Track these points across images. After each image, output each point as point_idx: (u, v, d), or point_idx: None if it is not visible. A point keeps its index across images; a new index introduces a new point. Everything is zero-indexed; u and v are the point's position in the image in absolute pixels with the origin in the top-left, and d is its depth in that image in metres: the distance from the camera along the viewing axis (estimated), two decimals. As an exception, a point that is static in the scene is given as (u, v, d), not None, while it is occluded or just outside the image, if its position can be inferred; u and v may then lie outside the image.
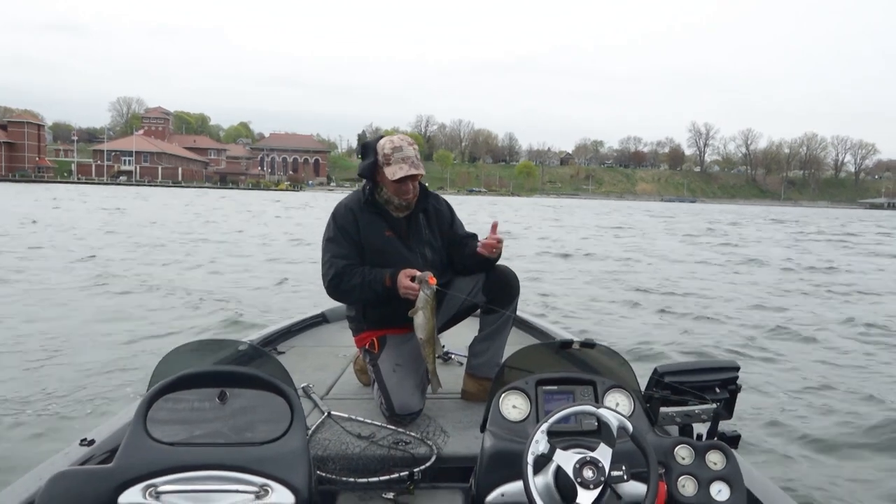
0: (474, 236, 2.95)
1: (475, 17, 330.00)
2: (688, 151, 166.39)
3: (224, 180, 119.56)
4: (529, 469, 1.49)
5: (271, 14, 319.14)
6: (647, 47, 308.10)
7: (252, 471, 1.55)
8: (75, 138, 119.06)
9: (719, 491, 1.67)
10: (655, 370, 1.92)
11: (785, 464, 3.82)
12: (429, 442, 2.33)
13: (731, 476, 1.68)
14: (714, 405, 1.89)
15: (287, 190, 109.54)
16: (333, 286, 2.71)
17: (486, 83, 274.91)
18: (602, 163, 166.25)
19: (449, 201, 3.00)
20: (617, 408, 1.82)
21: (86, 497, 1.47)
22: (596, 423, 1.75)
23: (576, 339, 2.18)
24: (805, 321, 8.37)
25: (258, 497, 1.52)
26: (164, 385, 1.70)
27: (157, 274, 11.06)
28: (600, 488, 1.47)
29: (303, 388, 2.80)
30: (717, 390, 1.92)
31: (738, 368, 1.96)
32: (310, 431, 2.32)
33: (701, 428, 1.95)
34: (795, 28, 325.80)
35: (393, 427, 2.48)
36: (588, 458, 1.50)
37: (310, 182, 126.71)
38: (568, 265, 14.83)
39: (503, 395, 1.92)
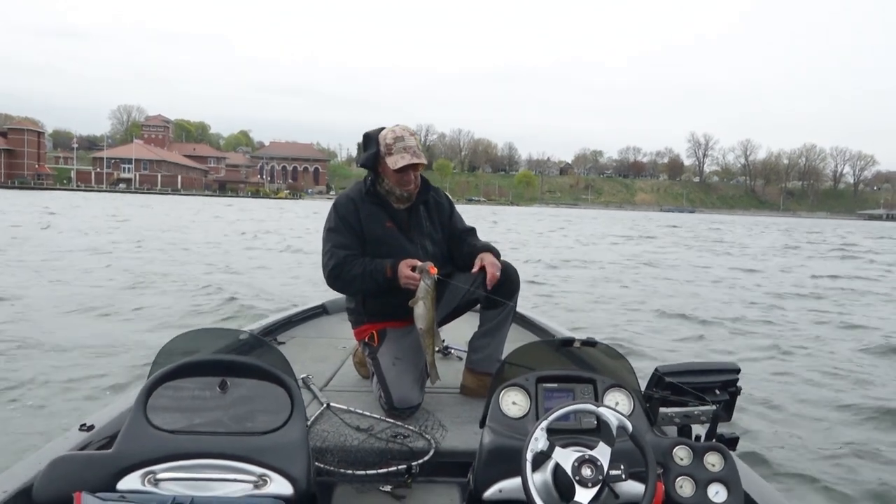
0: (473, 231, 2.96)
1: (476, 29, 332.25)
2: (687, 162, 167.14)
3: (223, 188, 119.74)
4: (528, 466, 1.49)
5: (272, 24, 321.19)
6: (648, 60, 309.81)
7: (251, 460, 1.55)
8: (75, 146, 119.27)
9: (717, 492, 1.66)
10: (656, 370, 1.92)
11: (783, 467, 3.81)
12: (427, 436, 2.33)
13: (729, 478, 1.68)
14: (713, 407, 1.89)
15: (286, 198, 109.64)
16: (334, 276, 2.71)
17: (486, 93, 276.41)
18: (601, 173, 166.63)
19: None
20: (617, 407, 1.82)
21: (85, 482, 1.47)
22: (595, 422, 1.75)
23: (577, 337, 2.18)
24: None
25: (256, 487, 1.53)
26: (165, 372, 1.70)
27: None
28: (598, 487, 1.47)
29: (302, 378, 2.80)
30: (717, 392, 1.92)
31: (738, 371, 1.96)
32: (308, 423, 2.32)
33: (700, 429, 1.95)
34: (794, 41, 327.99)
35: (391, 420, 2.48)
36: (587, 457, 1.50)
37: (309, 190, 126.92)
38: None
39: (503, 391, 1.92)
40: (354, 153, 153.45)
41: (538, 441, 1.52)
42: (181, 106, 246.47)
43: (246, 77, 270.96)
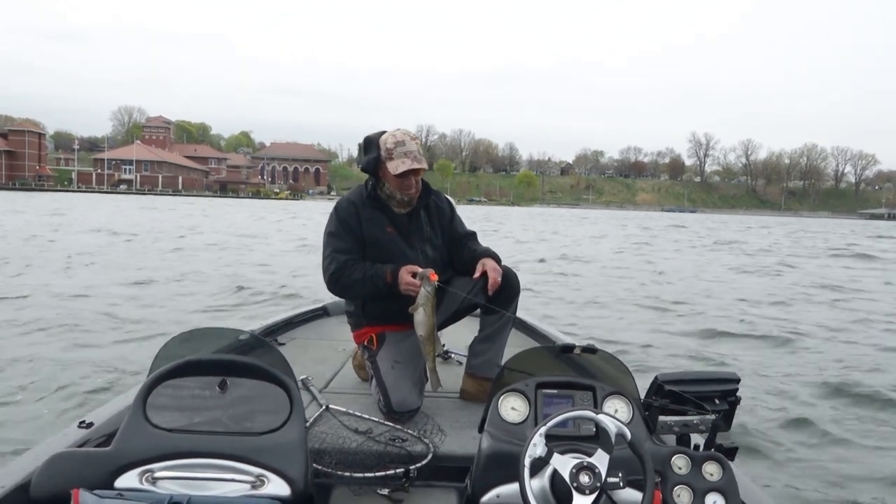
0: (473, 235, 2.96)
1: (477, 29, 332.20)
2: (688, 162, 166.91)
3: (224, 189, 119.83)
4: (526, 471, 1.49)
5: (273, 24, 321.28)
6: (648, 60, 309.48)
7: (249, 460, 1.55)
8: (76, 147, 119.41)
9: (714, 502, 1.66)
10: (656, 378, 1.92)
11: (782, 477, 3.80)
12: (426, 440, 2.33)
13: (727, 488, 1.67)
14: (713, 416, 1.88)
15: (287, 199, 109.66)
16: (334, 280, 2.71)
17: (487, 94, 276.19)
18: (602, 173, 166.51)
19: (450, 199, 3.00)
20: (616, 414, 1.82)
21: (83, 479, 1.47)
22: (594, 429, 1.76)
23: (577, 343, 2.17)
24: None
25: (254, 487, 1.53)
26: (164, 371, 1.70)
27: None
28: (596, 494, 1.47)
29: (301, 380, 2.80)
30: (717, 401, 1.91)
31: (738, 381, 1.96)
32: (307, 424, 2.32)
33: (699, 438, 1.94)
34: (795, 41, 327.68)
35: (390, 423, 2.48)
36: (585, 464, 1.50)
37: (310, 191, 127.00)
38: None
39: (502, 396, 1.91)
40: (355, 154, 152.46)
41: (536, 447, 1.52)
42: (182, 107, 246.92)
43: (247, 78, 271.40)
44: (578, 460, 1.51)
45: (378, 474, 2.12)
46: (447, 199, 2.98)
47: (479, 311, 2.91)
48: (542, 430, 1.55)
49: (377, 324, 2.81)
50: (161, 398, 1.66)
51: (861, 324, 9.11)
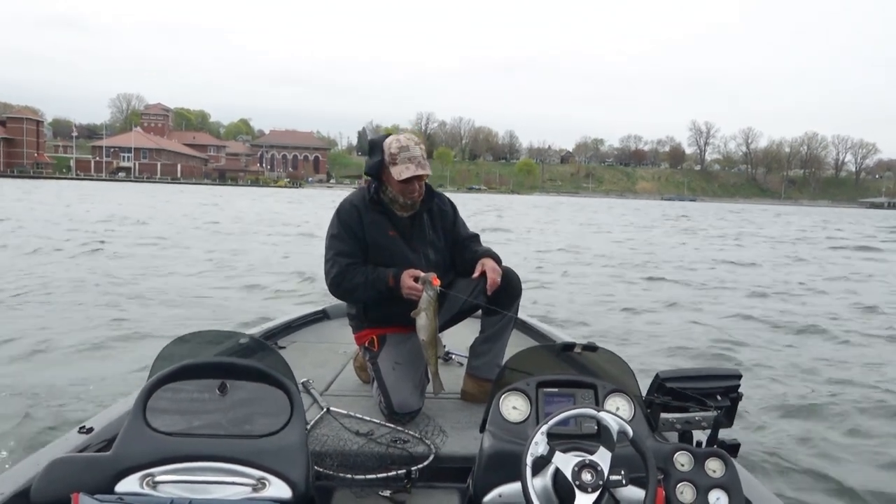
0: (476, 237, 2.94)
1: (478, 17, 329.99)
2: (688, 150, 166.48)
3: (223, 177, 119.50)
4: (528, 470, 1.49)
5: (272, 11, 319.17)
6: (649, 48, 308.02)
7: (250, 463, 1.55)
8: (75, 134, 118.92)
9: (717, 499, 1.65)
10: (657, 375, 1.92)
11: (785, 473, 3.80)
12: (427, 441, 2.33)
13: (730, 484, 1.67)
14: (715, 413, 1.88)
15: (286, 187, 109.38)
16: (336, 284, 2.71)
17: (487, 82, 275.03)
18: (602, 161, 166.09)
19: (453, 201, 2.99)
20: (617, 412, 1.81)
21: (83, 484, 1.47)
22: (596, 427, 1.75)
23: (578, 341, 2.17)
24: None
25: (255, 490, 1.52)
26: (164, 375, 1.69)
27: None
28: (598, 492, 1.46)
29: (302, 383, 2.80)
30: (719, 398, 1.91)
31: (740, 377, 1.95)
32: (308, 427, 2.31)
33: (701, 435, 1.94)
34: (796, 30, 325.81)
35: (391, 425, 2.48)
36: (587, 462, 1.50)
37: (309, 179, 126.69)
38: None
39: (503, 395, 1.91)
40: (355, 142, 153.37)
41: (538, 446, 1.51)
42: (181, 94, 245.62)
43: (246, 65, 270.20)
44: (581, 458, 1.51)
45: (380, 476, 2.12)
46: (450, 201, 2.97)
47: (480, 311, 2.91)
48: (544, 428, 1.55)
49: (378, 326, 2.81)
50: (161, 402, 1.65)
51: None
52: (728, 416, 1.91)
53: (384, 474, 2.12)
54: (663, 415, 1.89)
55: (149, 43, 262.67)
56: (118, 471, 1.51)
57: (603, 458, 1.51)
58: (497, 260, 2.74)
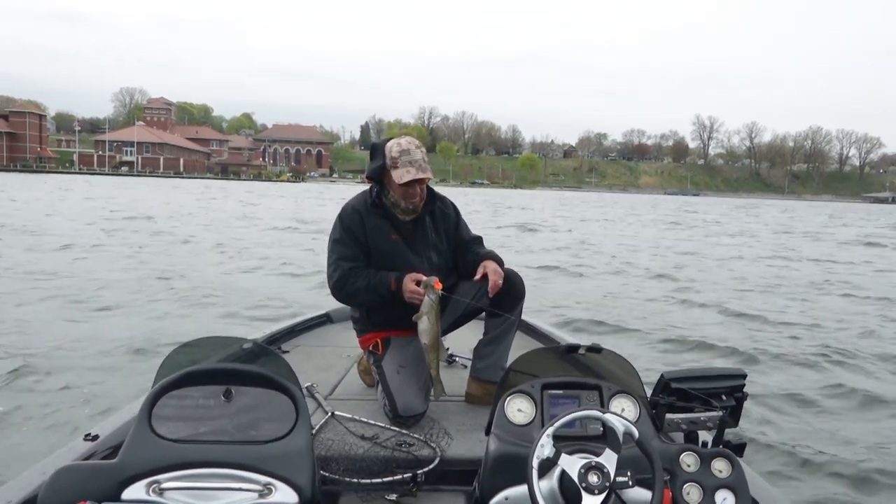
0: (479, 239, 2.93)
1: (481, 11, 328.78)
2: (692, 144, 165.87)
3: (225, 171, 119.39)
4: (534, 473, 1.49)
5: (276, 5, 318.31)
6: (652, 42, 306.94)
7: (256, 469, 1.55)
8: (78, 129, 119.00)
9: (724, 499, 1.65)
10: (662, 376, 1.90)
11: (793, 473, 3.80)
12: (432, 444, 2.33)
13: (737, 484, 1.67)
14: (720, 412, 1.87)
15: (289, 181, 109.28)
16: (338, 288, 2.70)
17: (490, 76, 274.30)
18: (605, 155, 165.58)
19: (454, 203, 2.98)
20: (623, 413, 1.81)
21: (90, 492, 1.46)
22: (601, 429, 1.75)
23: (582, 343, 2.16)
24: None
25: (261, 496, 1.52)
26: (169, 382, 1.68)
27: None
28: (605, 494, 1.46)
29: (307, 387, 2.79)
30: (724, 398, 1.89)
31: (745, 376, 1.94)
32: (313, 431, 2.31)
33: (707, 435, 1.93)
34: (800, 23, 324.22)
35: (396, 429, 2.48)
36: (593, 463, 1.49)
37: (312, 173, 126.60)
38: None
39: (508, 398, 1.90)
40: (357, 136, 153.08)
41: (544, 448, 1.51)
42: (184, 89, 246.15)
43: (249, 59, 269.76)
44: (587, 460, 1.50)
45: (385, 480, 2.12)
46: (452, 203, 2.96)
47: (483, 314, 2.90)
48: (550, 430, 1.54)
49: (382, 329, 2.80)
50: (166, 409, 1.65)
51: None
52: (734, 415, 1.90)
53: (390, 478, 2.12)
54: (669, 415, 1.88)
55: (152, 37, 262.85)
56: (124, 478, 1.50)
57: (609, 459, 1.50)
58: (499, 262, 2.73)
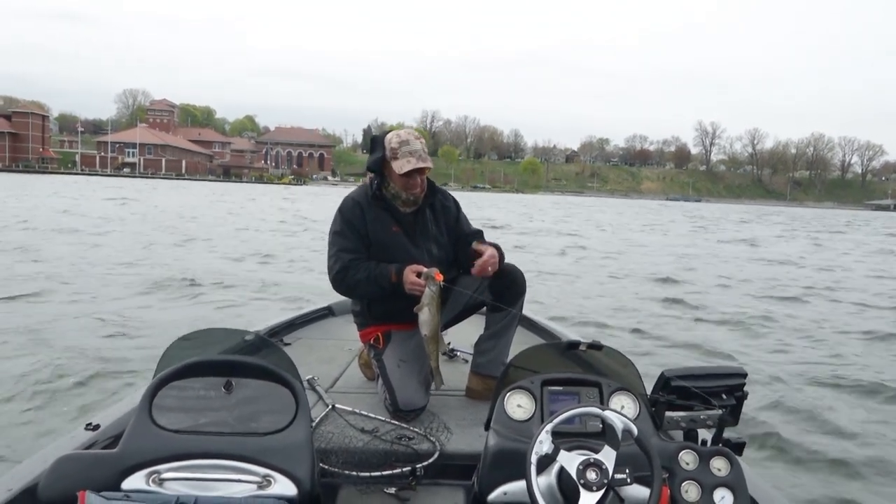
0: (479, 233, 2.94)
1: (482, 14, 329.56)
2: (694, 150, 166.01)
3: (227, 173, 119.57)
4: (533, 469, 1.49)
5: (279, 7, 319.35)
6: (655, 46, 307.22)
7: (255, 461, 1.55)
8: (80, 129, 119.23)
9: (723, 497, 1.65)
10: (662, 374, 1.90)
11: (791, 472, 3.79)
12: (432, 438, 2.33)
13: (735, 483, 1.67)
14: (720, 411, 1.87)
15: (290, 184, 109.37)
16: (339, 280, 2.71)
17: (492, 79, 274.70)
18: (607, 161, 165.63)
19: (456, 198, 2.98)
20: (622, 410, 1.80)
21: (90, 481, 1.47)
22: (601, 425, 1.74)
23: (583, 339, 2.16)
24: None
25: (261, 487, 1.52)
26: (170, 373, 1.69)
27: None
28: (603, 490, 1.46)
29: (307, 380, 2.80)
30: (724, 396, 1.89)
31: (745, 375, 1.94)
32: (313, 424, 2.32)
33: (706, 434, 1.93)
34: (803, 29, 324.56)
35: (396, 422, 2.48)
36: (592, 460, 1.49)
37: (314, 176, 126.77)
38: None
39: (508, 393, 1.90)
40: (360, 139, 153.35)
41: (543, 444, 1.51)
42: (187, 90, 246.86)
43: (252, 61, 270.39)
44: (585, 457, 1.50)
45: (385, 473, 2.12)
46: (452, 197, 2.97)
47: (484, 308, 2.90)
48: (549, 427, 1.54)
49: (383, 323, 2.81)
50: (167, 399, 1.66)
51: None
52: (733, 414, 1.90)
53: (389, 472, 2.13)
54: (668, 413, 1.87)
55: (155, 39, 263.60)
56: (124, 468, 1.51)
57: (608, 456, 1.50)
58: (500, 252, 2.73)
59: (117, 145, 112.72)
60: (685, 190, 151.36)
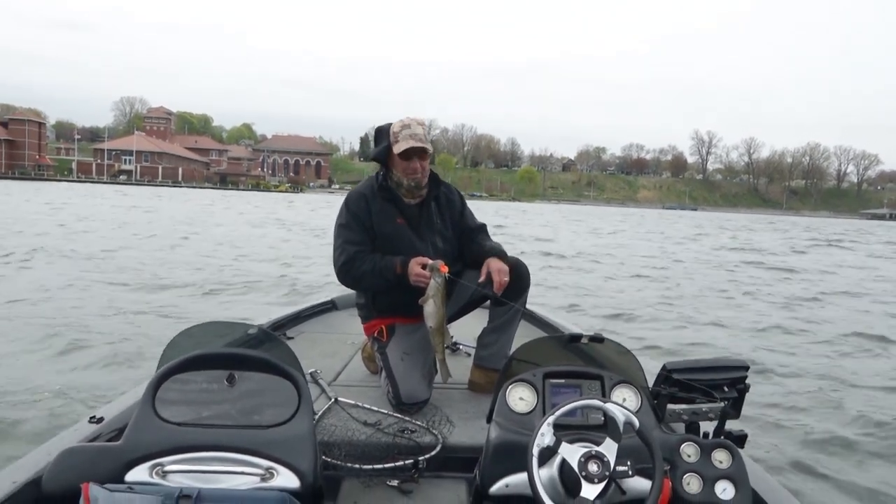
0: (483, 228, 2.95)
1: (479, 23, 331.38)
2: (690, 159, 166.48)
3: (224, 181, 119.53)
4: (534, 461, 1.49)
5: (276, 16, 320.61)
6: (652, 56, 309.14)
7: (258, 453, 1.56)
8: (77, 137, 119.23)
9: (724, 490, 1.65)
10: (664, 367, 1.91)
11: (793, 464, 3.79)
12: (434, 431, 2.34)
13: (737, 475, 1.66)
14: (722, 404, 1.87)
15: (287, 192, 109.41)
16: (344, 272, 2.72)
17: (489, 88, 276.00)
18: (604, 169, 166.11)
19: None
20: (624, 403, 1.81)
21: (93, 473, 1.47)
22: (602, 418, 1.74)
23: (585, 332, 2.16)
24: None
25: (263, 480, 1.53)
26: (173, 366, 1.70)
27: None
28: (605, 483, 1.46)
29: (310, 373, 2.81)
30: (726, 389, 1.89)
31: (747, 368, 1.94)
32: (316, 417, 2.33)
33: (708, 426, 1.93)
34: (799, 39, 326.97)
35: (399, 415, 2.49)
36: (593, 452, 1.50)
37: (311, 184, 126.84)
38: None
39: (510, 386, 1.91)
40: (357, 148, 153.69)
41: (545, 436, 1.52)
42: (184, 98, 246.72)
43: (249, 69, 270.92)
44: (587, 449, 1.51)
45: (387, 466, 2.13)
46: (457, 191, 2.99)
47: (488, 302, 2.91)
48: (551, 419, 1.55)
49: (387, 316, 2.82)
50: (170, 392, 1.66)
51: None
52: (735, 407, 1.90)
53: (392, 464, 2.14)
54: (670, 406, 1.88)
55: (153, 47, 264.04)
56: (128, 460, 1.52)
57: (609, 449, 1.51)
58: (504, 255, 2.74)
59: (114, 153, 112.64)
60: (682, 199, 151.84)
